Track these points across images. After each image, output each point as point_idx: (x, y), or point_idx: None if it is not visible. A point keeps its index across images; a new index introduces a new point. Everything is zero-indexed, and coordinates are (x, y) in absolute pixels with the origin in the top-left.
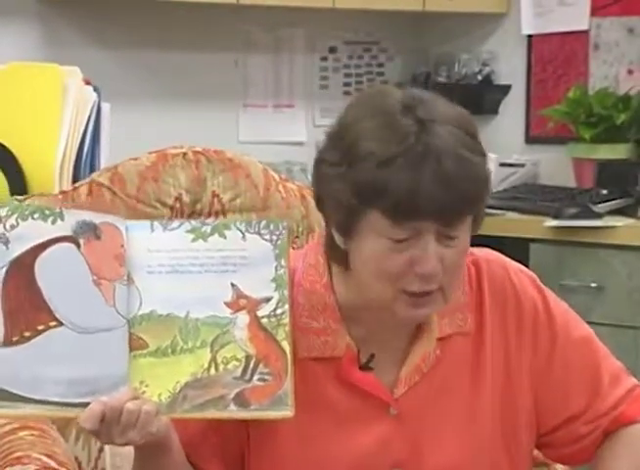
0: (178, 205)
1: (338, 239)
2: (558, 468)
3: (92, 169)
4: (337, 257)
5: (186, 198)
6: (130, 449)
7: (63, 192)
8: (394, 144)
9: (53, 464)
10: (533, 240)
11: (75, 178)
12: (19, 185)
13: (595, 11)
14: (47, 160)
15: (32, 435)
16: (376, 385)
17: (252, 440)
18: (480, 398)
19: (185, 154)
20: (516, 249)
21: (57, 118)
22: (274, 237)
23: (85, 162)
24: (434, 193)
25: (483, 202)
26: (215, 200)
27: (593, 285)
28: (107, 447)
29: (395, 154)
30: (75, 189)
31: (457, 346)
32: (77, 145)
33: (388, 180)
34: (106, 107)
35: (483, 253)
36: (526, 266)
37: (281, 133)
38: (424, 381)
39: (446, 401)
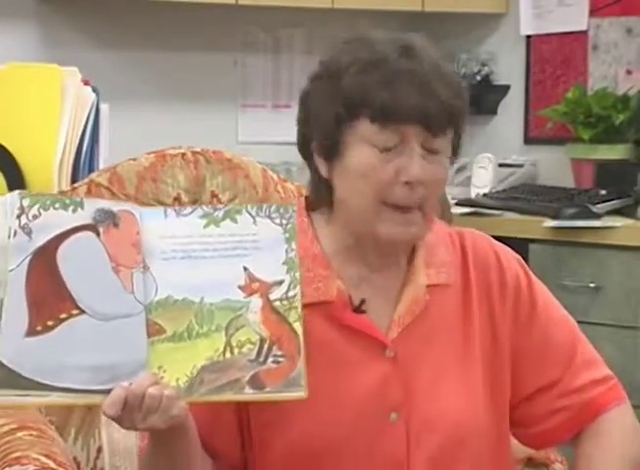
0: (177, 205)
1: (322, 166)
2: (557, 468)
3: (91, 170)
4: (320, 196)
5: (185, 198)
6: (128, 448)
7: (61, 192)
8: (376, 54)
9: (52, 464)
10: (532, 240)
11: (74, 179)
12: (17, 186)
13: (594, 11)
14: (46, 160)
15: (31, 435)
16: (370, 325)
17: None
18: (470, 350)
19: (184, 154)
20: (515, 249)
21: (55, 119)
22: (284, 221)
23: (84, 162)
24: (417, 96)
25: (463, 118)
26: (214, 200)
27: (592, 285)
28: (105, 447)
29: (378, 60)
30: (74, 189)
31: (445, 295)
32: (76, 145)
33: (372, 84)
34: (104, 107)
35: (469, 229)
36: None
37: (280, 134)
38: (416, 324)
39: (440, 349)
